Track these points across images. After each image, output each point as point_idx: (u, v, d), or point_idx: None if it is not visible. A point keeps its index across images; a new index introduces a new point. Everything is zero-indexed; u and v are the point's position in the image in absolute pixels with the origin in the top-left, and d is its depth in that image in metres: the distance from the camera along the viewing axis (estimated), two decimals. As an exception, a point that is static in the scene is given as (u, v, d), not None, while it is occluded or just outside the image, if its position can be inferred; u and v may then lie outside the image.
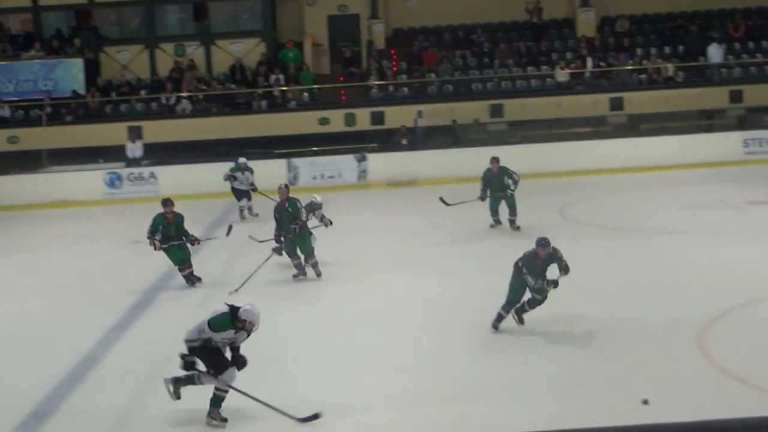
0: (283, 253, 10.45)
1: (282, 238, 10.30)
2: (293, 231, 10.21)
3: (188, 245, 10.47)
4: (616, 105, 19.90)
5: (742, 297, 9.50)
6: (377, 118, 20.00)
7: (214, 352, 6.15)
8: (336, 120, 20.06)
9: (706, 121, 19.94)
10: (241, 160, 14.87)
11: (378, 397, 6.81)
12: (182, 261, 10.45)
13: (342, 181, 17.99)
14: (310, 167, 18.05)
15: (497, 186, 12.55)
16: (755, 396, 6.82)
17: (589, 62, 20.57)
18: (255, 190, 14.74)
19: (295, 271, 10.57)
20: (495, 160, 12.60)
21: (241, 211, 14.85)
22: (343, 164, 18.25)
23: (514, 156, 14.93)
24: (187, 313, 8.53)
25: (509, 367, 7.57)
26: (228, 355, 6.23)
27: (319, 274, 10.53)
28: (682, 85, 19.87)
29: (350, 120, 20.10)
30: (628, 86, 20.21)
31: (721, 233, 12.66)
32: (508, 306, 8.14)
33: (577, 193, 16.07)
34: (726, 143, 17.97)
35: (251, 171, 14.80)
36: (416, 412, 6.54)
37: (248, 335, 6.15)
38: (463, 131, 19.60)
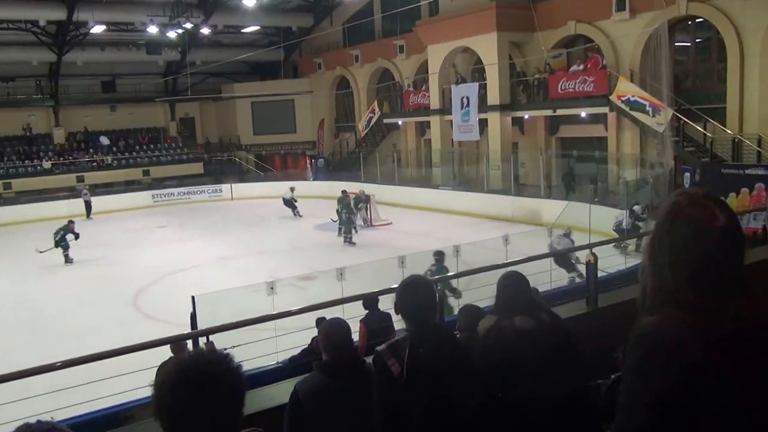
0: None
1: None
2: None
3: None
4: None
5: (157, 275, 16.73)
6: None
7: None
8: None
9: (130, 186, 34.81)
10: None
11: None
12: None
13: None
14: None
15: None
16: (166, 327, 10.88)
17: None
18: None
19: None
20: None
21: None
22: None
23: None
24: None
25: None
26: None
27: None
28: (116, 168, 35.04)
29: None
30: None
31: (153, 243, 22.15)
32: None
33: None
34: (142, 197, 32.79)
35: None
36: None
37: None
38: None
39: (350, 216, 21.86)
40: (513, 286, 3.39)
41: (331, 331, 3.43)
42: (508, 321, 3.10)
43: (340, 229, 22.23)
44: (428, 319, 3.11)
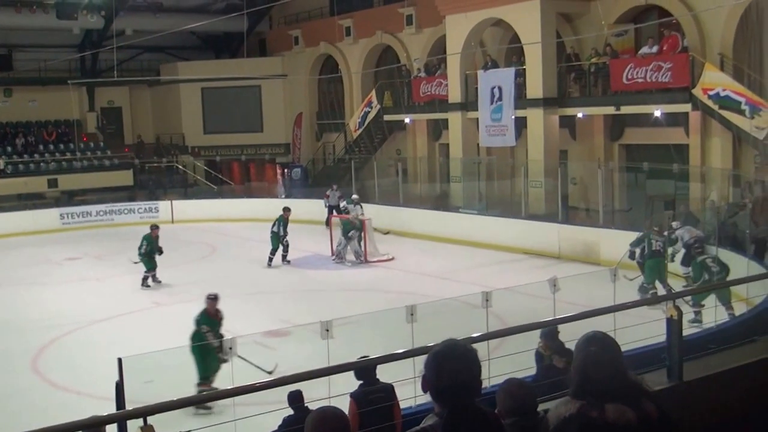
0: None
1: None
2: None
3: None
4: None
5: (66, 327, 16.61)
6: None
7: None
8: None
9: (30, 201, 35.30)
10: None
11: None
12: None
13: None
14: None
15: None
16: (78, 399, 11.56)
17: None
18: None
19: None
20: None
21: None
22: None
23: None
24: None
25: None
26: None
27: None
28: (11, 176, 35.15)
29: None
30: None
31: (60, 282, 21.99)
32: None
33: None
34: (47, 217, 32.77)
35: None
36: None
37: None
38: None
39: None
40: (602, 355, 3.25)
41: (330, 428, 3.35)
42: (596, 410, 3.05)
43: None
44: (468, 401, 3.09)
